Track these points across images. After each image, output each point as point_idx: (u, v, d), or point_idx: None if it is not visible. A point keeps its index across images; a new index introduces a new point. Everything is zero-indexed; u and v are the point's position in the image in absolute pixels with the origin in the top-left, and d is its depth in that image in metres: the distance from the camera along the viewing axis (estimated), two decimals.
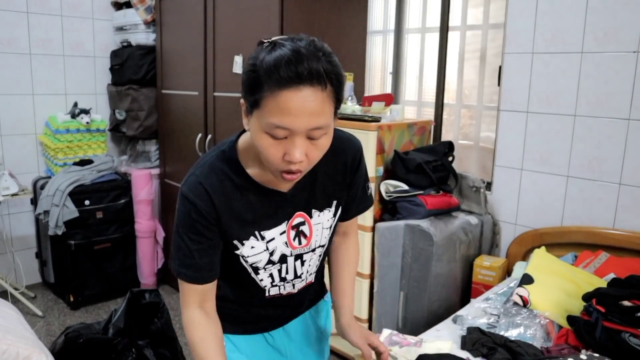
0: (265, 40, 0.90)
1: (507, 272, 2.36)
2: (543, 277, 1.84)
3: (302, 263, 1.15)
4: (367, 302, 2.42)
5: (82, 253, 3.15)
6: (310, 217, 1.11)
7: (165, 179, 3.45)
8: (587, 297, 1.61)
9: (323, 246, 1.17)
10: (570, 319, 1.65)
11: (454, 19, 3.00)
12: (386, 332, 1.59)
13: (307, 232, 1.12)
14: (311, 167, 0.96)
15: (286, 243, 1.10)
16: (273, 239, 1.08)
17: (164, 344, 2.10)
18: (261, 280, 1.13)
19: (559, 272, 1.91)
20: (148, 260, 3.41)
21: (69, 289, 3.17)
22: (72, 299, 3.17)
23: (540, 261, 1.99)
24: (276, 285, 1.15)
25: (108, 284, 3.29)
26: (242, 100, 0.97)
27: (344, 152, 1.12)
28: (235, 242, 1.06)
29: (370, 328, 2.44)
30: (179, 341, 2.22)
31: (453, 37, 3.00)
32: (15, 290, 3.11)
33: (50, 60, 3.38)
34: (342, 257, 1.29)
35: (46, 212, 3.05)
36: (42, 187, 3.15)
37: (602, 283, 1.80)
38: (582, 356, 1.34)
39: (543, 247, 2.16)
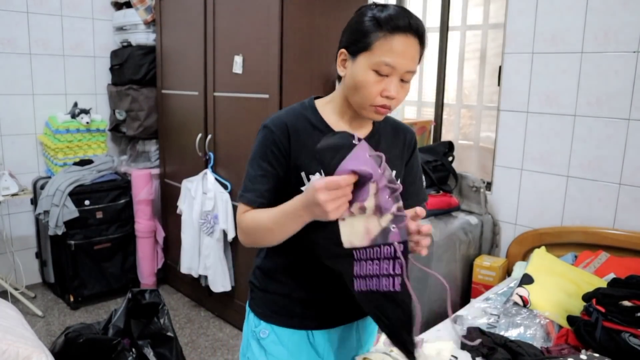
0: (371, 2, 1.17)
1: (507, 272, 2.36)
2: (543, 277, 1.84)
3: None
4: None
5: (82, 253, 3.15)
6: None
7: (165, 179, 3.45)
8: (587, 297, 1.61)
9: None
10: (570, 319, 1.65)
11: (454, 19, 3.00)
12: None
13: None
14: (395, 109, 1.14)
15: None
16: None
17: (164, 344, 2.10)
18: None
19: (559, 272, 1.91)
20: (148, 260, 3.41)
21: (69, 289, 3.17)
22: (72, 299, 3.17)
23: (540, 261, 1.99)
24: None
25: (108, 284, 3.29)
26: (342, 50, 1.14)
27: (403, 130, 1.29)
28: (303, 175, 1.13)
29: None
30: (179, 341, 2.22)
31: (453, 37, 3.00)
32: (15, 290, 3.11)
33: (50, 60, 3.38)
34: None
35: (46, 212, 3.05)
36: (42, 187, 3.15)
37: (602, 283, 1.81)
38: (582, 356, 1.34)
39: (543, 247, 2.16)
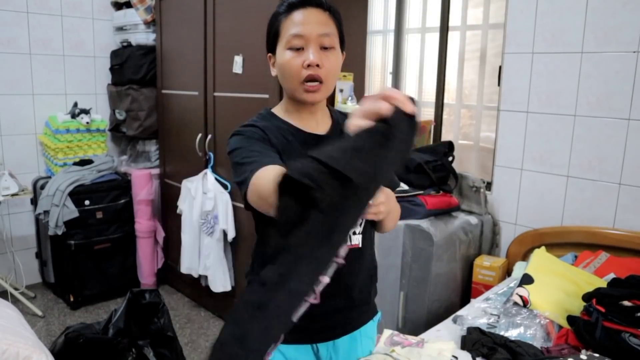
0: None
1: (507, 272, 2.36)
2: (543, 277, 1.84)
3: None
4: None
5: (82, 253, 3.15)
6: None
7: (165, 179, 3.45)
8: (587, 297, 1.61)
9: None
10: (570, 319, 1.65)
11: (454, 19, 3.00)
12: (387, 332, 1.59)
13: None
14: (330, 83, 1.12)
15: None
16: None
17: (164, 344, 2.10)
18: None
19: (559, 272, 1.91)
20: (148, 260, 3.41)
21: (69, 289, 3.17)
22: (72, 299, 3.17)
23: (540, 261, 1.99)
24: None
25: (108, 284, 3.29)
26: (268, 55, 1.18)
27: None
28: None
29: None
30: (179, 341, 2.22)
31: (453, 37, 3.00)
32: (15, 290, 3.11)
33: (50, 60, 3.38)
34: None
35: (46, 212, 3.05)
36: (42, 187, 3.15)
37: (602, 283, 1.80)
38: (582, 356, 1.34)
39: (543, 247, 2.16)
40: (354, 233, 1.20)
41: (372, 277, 1.30)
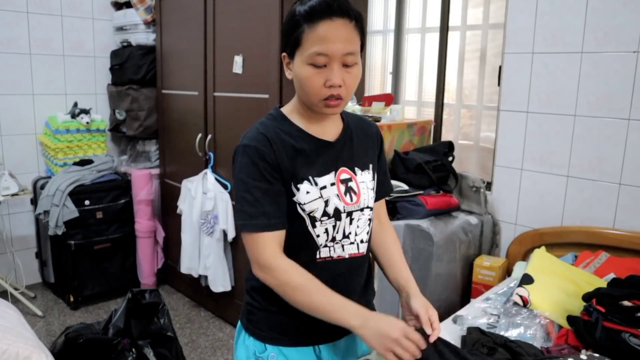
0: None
1: (507, 272, 2.36)
2: (543, 277, 1.84)
3: (351, 221, 1.17)
4: None
5: (82, 253, 3.15)
6: (355, 174, 1.19)
7: (165, 179, 3.45)
8: (587, 297, 1.61)
9: (370, 208, 1.20)
10: (570, 319, 1.64)
11: (454, 19, 3.00)
12: None
13: (356, 189, 1.17)
14: (349, 97, 1.10)
15: (338, 196, 1.14)
16: (325, 187, 1.13)
17: (164, 344, 2.10)
18: (318, 235, 1.14)
19: (559, 272, 1.90)
20: (148, 260, 3.41)
21: (69, 289, 3.17)
22: (72, 299, 3.17)
23: (540, 261, 1.99)
24: (326, 246, 1.15)
25: (108, 284, 3.29)
26: (283, 54, 1.13)
27: (368, 124, 1.30)
28: (292, 185, 1.11)
29: None
30: (179, 341, 2.22)
31: (453, 37, 3.00)
32: (15, 290, 3.11)
33: (50, 60, 3.38)
34: (385, 238, 1.33)
35: (46, 212, 3.05)
36: (42, 187, 3.15)
37: (602, 283, 1.80)
38: (582, 356, 1.34)
39: (543, 247, 2.16)
40: (362, 241, 1.21)
41: (370, 278, 1.32)
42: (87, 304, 3.23)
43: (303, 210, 1.12)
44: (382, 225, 1.35)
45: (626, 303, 1.52)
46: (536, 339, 1.57)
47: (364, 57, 1.14)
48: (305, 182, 1.11)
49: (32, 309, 3.06)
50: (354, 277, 1.23)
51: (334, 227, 1.15)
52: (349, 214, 1.16)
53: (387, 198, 1.41)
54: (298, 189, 1.11)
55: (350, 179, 1.17)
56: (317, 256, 1.15)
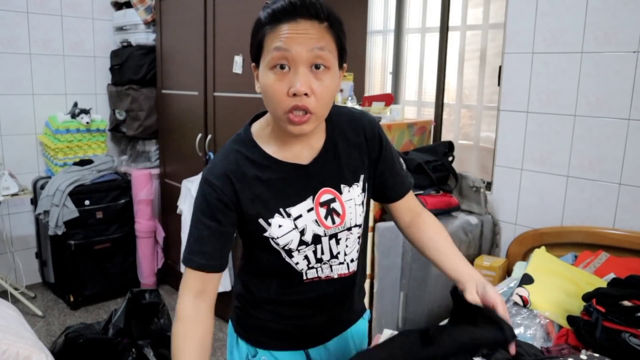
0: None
1: (507, 272, 2.36)
2: (543, 277, 1.84)
3: (338, 242, 1.09)
4: (367, 302, 2.42)
5: (82, 253, 3.15)
6: (340, 193, 1.08)
7: (165, 179, 3.45)
8: (587, 297, 1.61)
9: (359, 226, 1.12)
10: (570, 319, 1.64)
11: (454, 19, 3.00)
12: (387, 332, 1.59)
13: (340, 210, 1.07)
14: (321, 113, 0.96)
15: (317, 222, 1.05)
16: (300, 216, 1.04)
17: (164, 344, 2.10)
18: (297, 263, 1.08)
19: (559, 272, 1.90)
20: (148, 260, 3.41)
21: (69, 289, 3.17)
22: (72, 299, 3.17)
23: (540, 261, 1.99)
24: (313, 268, 1.10)
25: (108, 284, 3.29)
26: (252, 64, 1.01)
27: (361, 123, 1.12)
28: (261, 221, 1.03)
29: (370, 328, 2.44)
30: None
31: (453, 37, 3.00)
32: (15, 290, 3.11)
33: (50, 60, 3.38)
34: (424, 231, 1.23)
35: (46, 212, 3.05)
36: (42, 187, 3.15)
37: (602, 283, 1.80)
38: (582, 356, 1.34)
39: (543, 247, 2.16)
40: (352, 260, 1.14)
41: (360, 287, 1.27)
42: (87, 304, 3.23)
43: (277, 244, 1.05)
44: (418, 217, 1.24)
45: (626, 303, 1.52)
46: (536, 339, 1.57)
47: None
48: (277, 215, 1.03)
49: (32, 309, 3.06)
50: (343, 296, 1.19)
51: (314, 251, 1.08)
52: (333, 235, 1.08)
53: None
54: (269, 224, 1.03)
55: (333, 199, 1.07)
56: (304, 277, 1.10)
